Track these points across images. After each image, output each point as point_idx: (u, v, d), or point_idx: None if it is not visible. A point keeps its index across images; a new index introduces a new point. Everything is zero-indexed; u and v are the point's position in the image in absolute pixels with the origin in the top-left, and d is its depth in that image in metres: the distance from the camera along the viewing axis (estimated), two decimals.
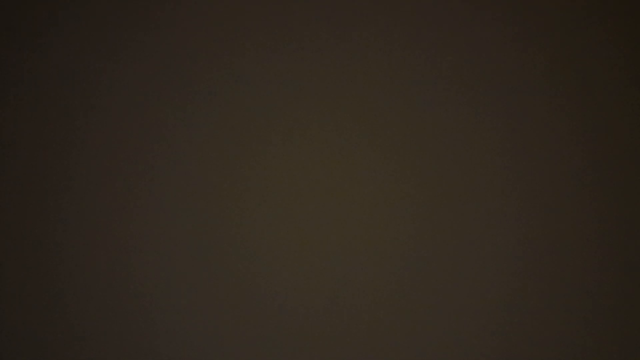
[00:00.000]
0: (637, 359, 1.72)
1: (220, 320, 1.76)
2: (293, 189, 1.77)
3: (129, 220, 1.78)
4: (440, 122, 1.77)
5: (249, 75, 1.79)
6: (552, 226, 1.75)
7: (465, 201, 1.76)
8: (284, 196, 1.77)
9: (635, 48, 1.77)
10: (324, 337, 1.75)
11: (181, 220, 1.77)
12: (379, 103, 1.78)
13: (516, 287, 1.74)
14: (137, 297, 1.76)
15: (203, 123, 1.79)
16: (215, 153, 1.78)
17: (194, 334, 1.76)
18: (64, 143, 1.80)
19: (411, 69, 1.78)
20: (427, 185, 1.76)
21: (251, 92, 1.79)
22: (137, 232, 1.77)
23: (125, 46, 1.81)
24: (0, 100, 1.81)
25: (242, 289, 1.76)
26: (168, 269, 1.77)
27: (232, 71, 1.79)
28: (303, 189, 1.77)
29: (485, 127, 1.77)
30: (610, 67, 1.77)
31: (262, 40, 1.80)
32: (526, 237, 1.75)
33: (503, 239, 1.75)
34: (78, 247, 1.78)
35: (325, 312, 1.75)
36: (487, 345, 1.74)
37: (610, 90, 1.77)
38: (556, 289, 1.74)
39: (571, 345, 1.73)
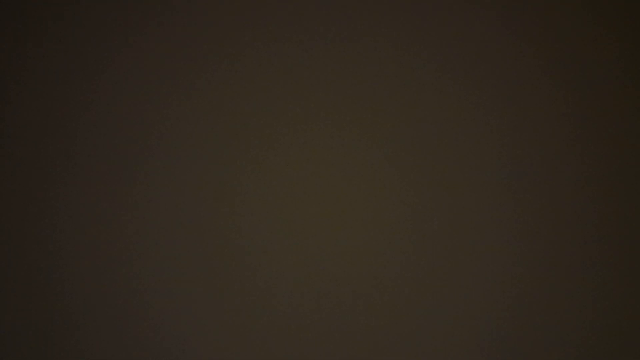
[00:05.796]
0: (638, 359, 1.73)
1: (219, 320, 1.76)
2: (293, 189, 1.77)
3: (128, 220, 1.78)
4: (439, 121, 1.77)
5: (248, 75, 1.80)
6: (552, 226, 1.75)
7: (464, 201, 1.76)
8: (284, 196, 1.77)
9: (636, 48, 1.77)
10: (323, 337, 1.75)
11: (180, 220, 1.77)
12: (378, 103, 1.78)
13: (515, 286, 1.74)
14: (136, 297, 1.77)
15: (203, 123, 1.79)
16: (215, 153, 1.78)
17: (193, 333, 1.76)
18: (63, 143, 1.80)
19: (411, 69, 1.79)
20: (427, 185, 1.76)
21: (251, 92, 1.79)
22: (136, 232, 1.78)
23: (125, 46, 1.81)
24: (1, 100, 1.81)
25: (241, 289, 1.76)
26: (167, 269, 1.77)
27: (232, 71, 1.80)
28: (302, 189, 1.77)
29: (485, 126, 1.77)
30: (610, 67, 1.77)
31: (262, 40, 1.80)
32: (525, 237, 1.75)
33: (502, 238, 1.75)
34: (77, 248, 1.78)
35: (325, 312, 1.75)
36: (487, 344, 1.74)
37: (610, 90, 1.77)
38: (555, 289, 1.74)
39: (571, 345, 1.74)
